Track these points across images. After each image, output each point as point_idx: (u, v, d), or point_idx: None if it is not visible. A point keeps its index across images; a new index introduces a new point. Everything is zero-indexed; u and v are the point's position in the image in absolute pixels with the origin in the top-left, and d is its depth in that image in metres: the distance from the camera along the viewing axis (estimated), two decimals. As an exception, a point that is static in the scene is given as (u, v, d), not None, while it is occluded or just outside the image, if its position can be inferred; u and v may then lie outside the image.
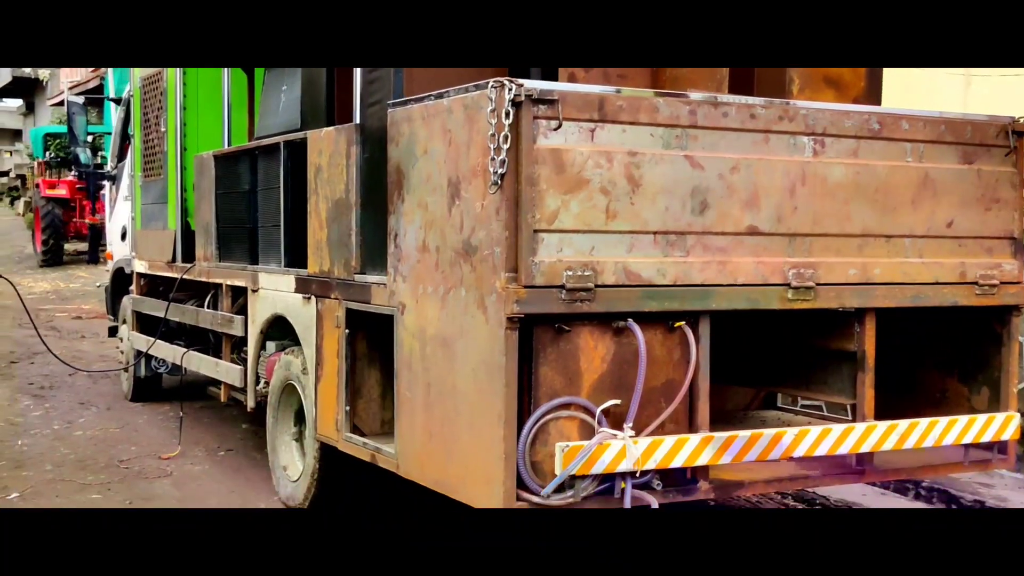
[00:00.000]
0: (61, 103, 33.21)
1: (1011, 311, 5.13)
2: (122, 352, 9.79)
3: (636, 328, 4.21)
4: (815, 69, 5.11)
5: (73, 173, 21.71)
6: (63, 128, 23.18)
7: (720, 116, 4.43)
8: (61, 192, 21.64)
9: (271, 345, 6.49)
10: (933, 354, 5.39)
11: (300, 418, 6.12)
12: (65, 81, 34.54)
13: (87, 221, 20.71)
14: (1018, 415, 5.11)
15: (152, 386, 9.50)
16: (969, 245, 5.00)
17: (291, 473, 6.20)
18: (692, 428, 4.43)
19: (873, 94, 5.28)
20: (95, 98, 15.72)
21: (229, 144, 7.43)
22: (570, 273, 4.10)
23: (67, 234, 22.42)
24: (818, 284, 4.62)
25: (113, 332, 10.16)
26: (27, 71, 39.99)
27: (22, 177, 36.93)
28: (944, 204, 4.92)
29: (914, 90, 10.70)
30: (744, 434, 4.49)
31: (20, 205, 33.18)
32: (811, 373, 5.28)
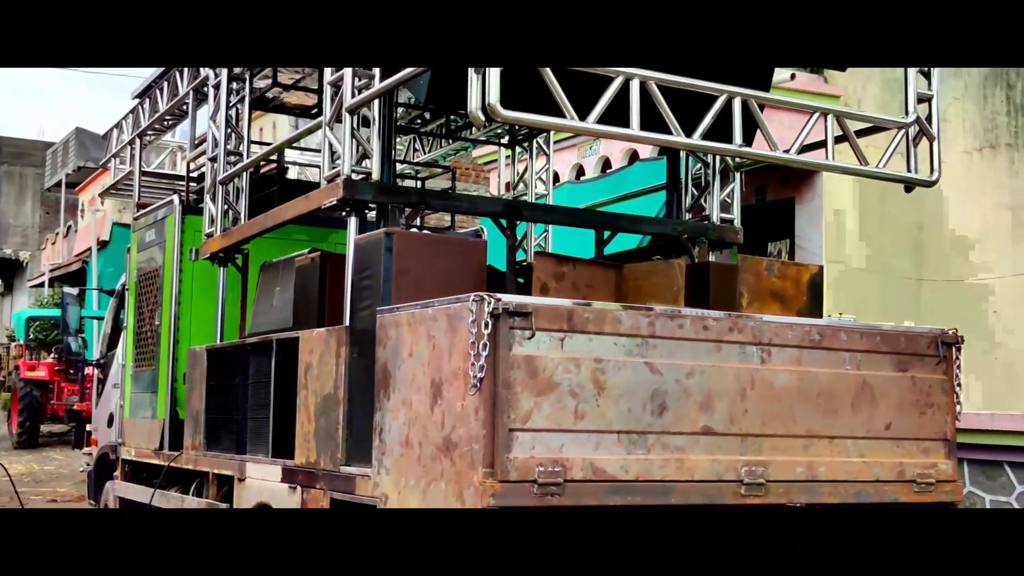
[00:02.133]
0: (41, 284, 33.80)
1: (947, 508, 5.55)
2: (101, 537, 9.95)
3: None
4: (762, 284, 5.68)
5: (53, 355, 22.09)
6: (46, 312, 23.74)
7: (676, 327, 4.94)
8: (40, 374, 21.94)
9: (255, 532, 6.78)
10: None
11: (281, 603, 6.37)
12: (46, 264, 35.23)
13: (75, 408, 20.96)
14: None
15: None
16: (906, 446, 5.46)
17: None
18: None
19: (815, 307, 5.83)
20: (87, 290, 16.24)
21: (221, 338, 7.89)
22: (541, 469, 4.51)
23: (44, 416, 22.58)
24: (768, 481, 5.04)
25: (93, 517, 10.35)
26: (8, 252, 40.75)
27: (-3, 357, 37.13)
28: (882, 408, 5.40)
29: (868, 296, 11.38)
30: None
31: (-7, 386, 33.24)
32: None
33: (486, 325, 4.50)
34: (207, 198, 8.21)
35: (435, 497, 4.70)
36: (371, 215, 6.36)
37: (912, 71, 5.97)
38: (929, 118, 6.03)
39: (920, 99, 6.02)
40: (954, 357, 5.61)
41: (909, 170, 6.04)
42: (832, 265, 11.57)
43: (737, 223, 7.39)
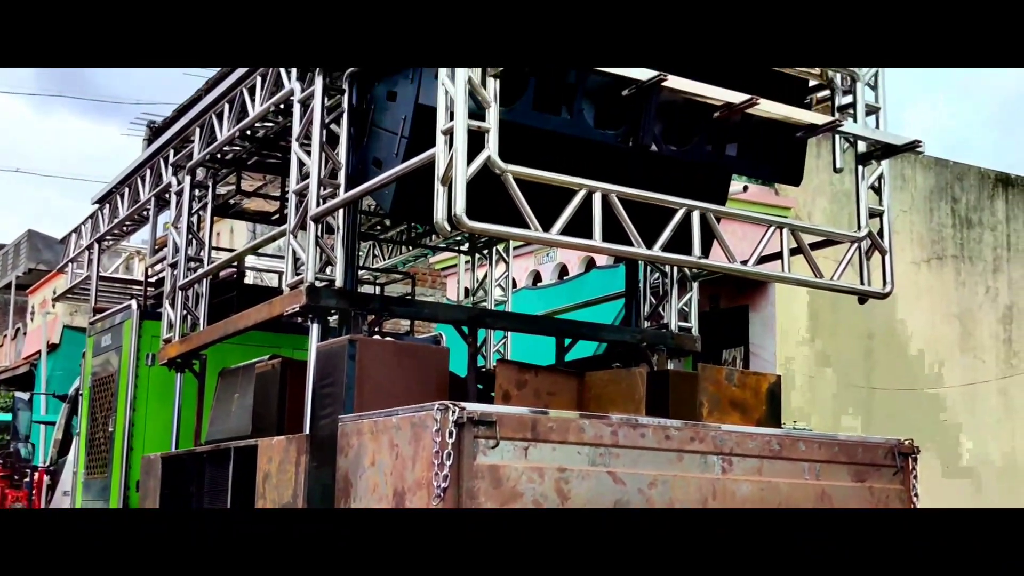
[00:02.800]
0: (-12, 387, 33.17)
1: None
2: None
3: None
4: (721, 393, 5.75)
5: (-3, 461, 21.60)
6: (-6, 416, 23.21)
7: (639, 436, 4.97)
8: (-18, 480, 21.41)
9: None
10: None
11: None
12: (-7, 367, 34.65)
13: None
14: None
15: None
16: (866, 555, 5.49)
17: None
18: None
19: (773, 416, 5.90)
20: (38, 394, 16.01)
21: (177, 445, 7.80)
22: (505, 580, 4.48)
23: (-17, 523, 21.96)
24: (730, 591, 5.03)
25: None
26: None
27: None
28: (841, 517, 5.43)
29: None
30: None
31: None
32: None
33: (450, 434, 4.50)
34: (166, 303, 8.19)
35: (396, 609, 4.64)
36: (332, 321, 6.38)
37: (863, 187, 6.16)
38: (881, 232, 6.19)
39: (872, 214, 6.19)
40: (911, 467, 5.68)
41: (862, 282, 6.18)
42: (785, 372, 11.70)
43: (695, 331, 7.49)
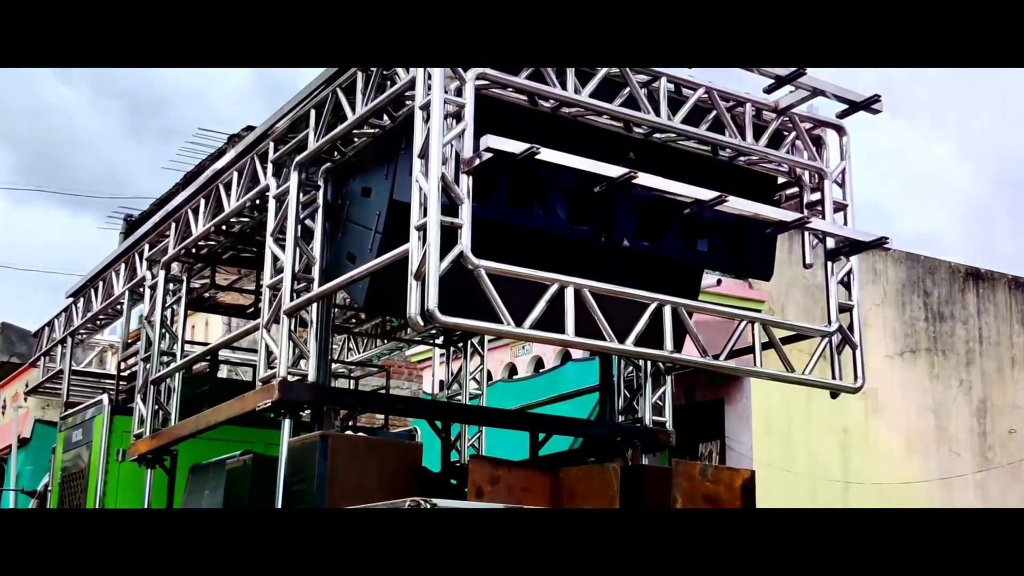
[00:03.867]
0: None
1: None
2: None
3: None
4: (695, 488, 5.72)
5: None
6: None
7: (612, 533, 4.94)
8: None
9: None
10: None
11: None
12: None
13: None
14: None
15: None
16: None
17: None
18: None
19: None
20: (6, 490, 15.72)
21: (145, 542, 7.67)
22: None
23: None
24: None
25: None
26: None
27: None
28: (817, 614, 5.38)
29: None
30: None
31: None
32: None
33: (421, 531, 4.46)
34: (137, 398, 8.13)
35: None
36: (305, 414, 6.35)
37: (833, 282, 6.23)
38: (851, 327, 6.24)
39: (842, 308, 6.25)
40: (886, 562, 5.65)
41: (834, 377, 6.21)
42: (761, 466, 11.66)
43: (669, 426, 7.48)
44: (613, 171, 5.40)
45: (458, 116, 4.99)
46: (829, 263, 6.27)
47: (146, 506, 7.81)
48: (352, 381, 10.69)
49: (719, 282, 12.25)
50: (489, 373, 10.85)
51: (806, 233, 6.19)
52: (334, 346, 10.24)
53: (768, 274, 6.58)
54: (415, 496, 4.58)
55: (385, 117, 5.66)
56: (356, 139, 5.95)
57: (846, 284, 6.32)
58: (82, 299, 10.15)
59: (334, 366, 9.79)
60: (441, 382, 10.09)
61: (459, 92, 5.00)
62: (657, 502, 5.72)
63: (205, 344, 9.78)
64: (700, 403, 12.76)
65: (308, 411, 6.27)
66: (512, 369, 15.29)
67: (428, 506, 4.47)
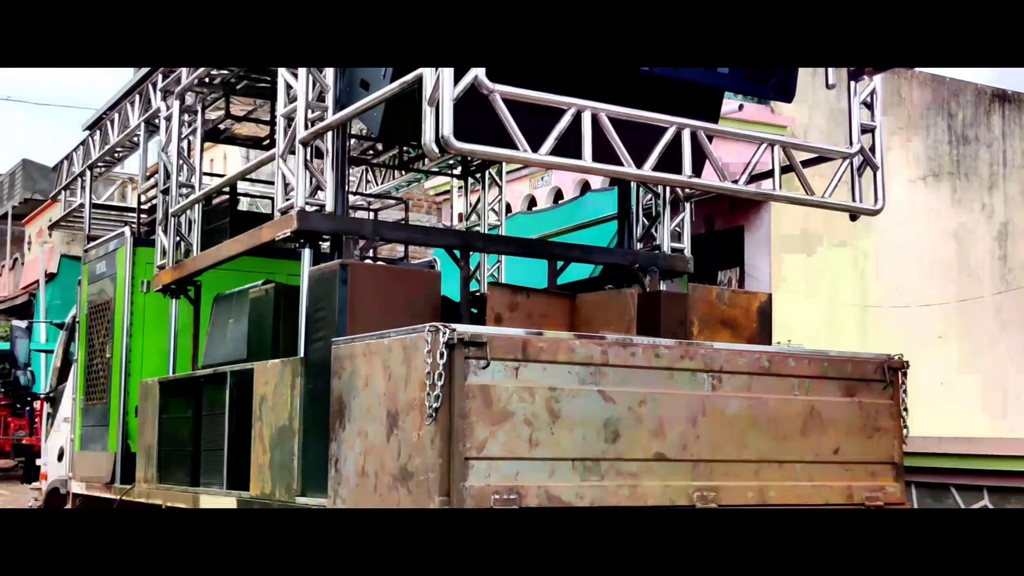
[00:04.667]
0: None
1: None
2: (51, 573, 9.83)
3: None
4: (712, 312, 5.77)
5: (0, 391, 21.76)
6: (-6, 345, 23.31)
7: (629, 355, 5.00)
8: (-14, 409, 21.56)
9: (209, 565, 6.74)
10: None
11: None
12: (-8, 297, 34.72)
13: (23, 442, 20.60)
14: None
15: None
16: (855, 469, 5.56)
17: None
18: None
19: (764, 334, 5.93)
20: (36, 323, 16.07)
21: (174, 370, 7.86)
22: (497, 496, 4.55)
23: (-10, 450, 22.17)
24: (719, 506, 5.11)
25: (42, 553, 10.21)
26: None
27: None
28: (830, 432, 5.50)
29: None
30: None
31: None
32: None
33: (441, 355, 4.54)
34: (159, 230, 8.19)
35: (391, 527, 4.72)
36: (325, 246, 6.39)
37: (855, 103, 6.12)
38: (873, 148, 6.17)
39: (864, 130, 6.16)
40: (900, 382, 5.73)
41: (854, 199, 6.17)
42: (780, 292, 11.73)
43: (687, 252, 7.50)
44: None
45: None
46: (852, 83, 6.15)
47: (173, 336, 7.96)
48: (371, 214, 10.70)
49: (741, 107, 12.07)
50: (508, 205, 10.85)
51: (829, 53, 6.05)
52: (352, 178, 10.22)
53: (790, 95, 6.46)
54: (434, 322, 4.63)
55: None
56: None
57: (869, 105, 6.22)
58: (99, 132, 10.11)
59: (353, 198, 9.79)
60: (460, 215, 10.10)
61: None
62: (674, 327, 5.78)
63: (224, 176, 9.77)
64: (720, 231, 12.75)
65: (328, 242, 6.31)
66: (531, 201, 15.27)
67: (447, 331, 4.52)
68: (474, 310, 7.30)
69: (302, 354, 5.80)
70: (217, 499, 6.55)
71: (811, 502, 5.39)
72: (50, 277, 26.13)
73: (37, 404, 12.36)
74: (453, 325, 4.62)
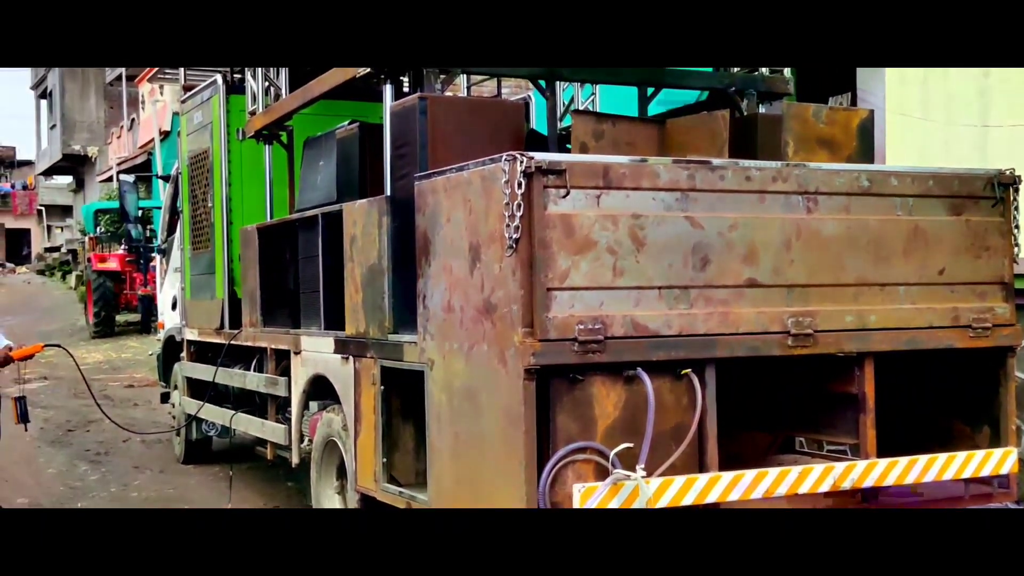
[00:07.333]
0: (110, 179, 34.26)
1: (1006, 352, 5.42)
2: (174, 417, 10.26)
3: (645, 377, 4.56)
4: (808, 131, 5.48)
5: (123, 247, 22.50)
6: (113, 204, 24.04)
7: (717, 179, 4.81)
8: (112, 265, 22.34)
9: (313, 404, 6.89)
10: (936, 396, 5.69)
11: (342, 472, 6.51)
12: (114, 157, 35.65)
13: (138, 293, 21.36)
14: (1015, 450, 5.38)
15: (203, 449, 9.95)
16: (961, 291, 5.32)
17: (334, 524, 6.56)
18: (702, 468, 4.76)
19: (865, 153, 5.64)
20: (144, 175, 16.41)
21: (271, 216, 7.93)
22: (581, 327, 4.47)
23: (118, 306, 23.08)
24: (816, 331, 4.95)
25: (165, 398, 10.64)
26: (76, 148, 41.24)
27: (73, 252, 38.03)
28: (935, 253, 5.25)
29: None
30: (750, 473, 4.81)
31: (72, 279, 34.14)
32: (820, 416, 5.58)
33: (520, 185, 4.42)
34: (248, 75, 8.15)
35: (478, 360, 4.70)
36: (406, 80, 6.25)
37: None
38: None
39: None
40: (1011, 198, 5.41)
41: None
42: (895, 116, 11.21)
43: (787, 73, 7.14)
44: None
45: None
46: None
47: (268, 181, 7.99)
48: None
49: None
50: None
51: None
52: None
53: None
54: (512, 151, 4.49)
55: None
56: None
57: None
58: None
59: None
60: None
61: None
62: (768, 149, 5.53)
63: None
64: (829, 53, 12.17)
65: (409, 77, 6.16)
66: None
67: (525, 160, 4.38)
68: (568, 146, 7.12)
69: (388, 192, 5.75)
70: (316, 340, 6.65)
71: (915, 325, 5.19)
72: (164, 135, 26.61)
73: (158, 259, 12.68)
74: (531, 153, 4.48)
